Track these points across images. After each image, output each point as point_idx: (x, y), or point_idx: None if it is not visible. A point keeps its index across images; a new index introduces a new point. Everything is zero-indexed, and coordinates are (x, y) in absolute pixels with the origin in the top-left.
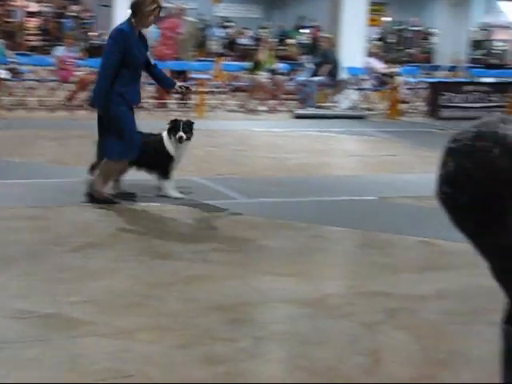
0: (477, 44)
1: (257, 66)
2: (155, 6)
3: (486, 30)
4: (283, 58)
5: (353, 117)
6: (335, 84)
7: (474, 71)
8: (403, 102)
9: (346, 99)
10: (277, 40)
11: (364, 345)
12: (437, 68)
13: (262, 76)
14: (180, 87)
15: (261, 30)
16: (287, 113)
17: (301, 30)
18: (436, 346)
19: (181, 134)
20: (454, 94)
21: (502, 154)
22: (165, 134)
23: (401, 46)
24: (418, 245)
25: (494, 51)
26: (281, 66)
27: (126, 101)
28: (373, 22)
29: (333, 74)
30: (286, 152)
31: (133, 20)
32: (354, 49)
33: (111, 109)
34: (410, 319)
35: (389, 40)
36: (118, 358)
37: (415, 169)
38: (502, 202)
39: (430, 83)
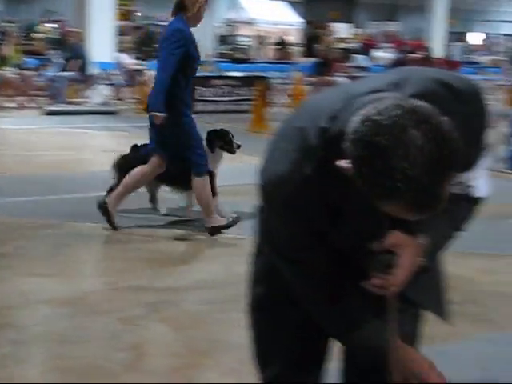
0: (223, 39)
1: (3, 62)
2: None
3: (230, 25)
4: (30, 52)
5: (105, 112)
6: (85, 79)
7: (221, 66)
8: None
9: (98, 95)
10: (23, 34)
11: (125, 340)
12: None
13: (9, 72)
14: None
15: (5, 24)
16: (37, 109)
17: (48, 25)
18: (197, 336)
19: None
20: (204, 88)
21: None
22: None
23: (149, 41)
24: (171, 239)
25: (239, 46)
26: (28, 61)
27: (188, 107)
28: (121, 17)
29: (82, 69)
30: (39, 149)
31: (185, 17)
32: (103, 43)
33: (178, 117)
34: (171, 311)
35: (137, 35)
36: None
37: None
38: None
39: None
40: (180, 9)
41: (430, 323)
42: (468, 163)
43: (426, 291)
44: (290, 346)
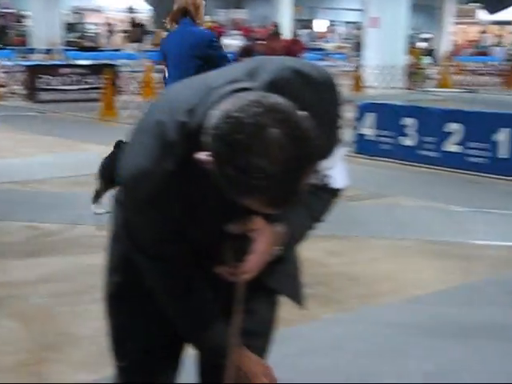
0: (70, 27)
1: None
2: None
3: (77, 13)
4: None
5: None
6: None
7: (69, 54)
8: (1, 85)
9: None
10: None
11: None
12: (33, 51)
13: None
14: None
15: None
16: None
17: None
18: (46, 330)
19: None
20: (51, 77)
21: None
22: None
23: None
24: (22, 230)
25: (87, 34)
26: None
27: None
28: None
29: None
30: None
31: (195, 20)
32: None
33: None
34: (19, 306)
35: None
36: None
37: (16, 153)
38: None
39: (27, 66)
40: (185, 15)
41: (281, 306)
42: (324, 152)
43: (284, 277)
44: (148, 335)
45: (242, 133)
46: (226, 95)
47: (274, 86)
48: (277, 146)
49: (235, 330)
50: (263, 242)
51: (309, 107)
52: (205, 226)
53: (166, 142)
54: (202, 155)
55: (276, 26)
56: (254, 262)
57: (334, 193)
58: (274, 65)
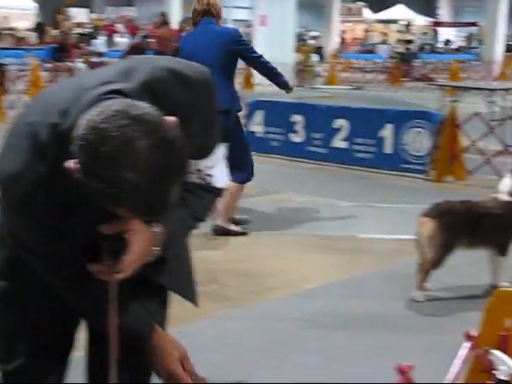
0: None
1: None
2: None
3: None
4: None
5: None
6: None
7: None
8: None
9: None
10: None
11: None
12: None
13: None
14: None
15: None
16: None
17: None
18: None
19: None
20: None
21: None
22: None
23: None
24: None
25: None
26: None
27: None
28: None
29: None
30: None
31: (217, 20)
32: None
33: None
34: None
35: None
36: None
37: None
38: None
39: None
40: (207, 15)
41: (174, 304)
42: (204, 151)
43: (177, 276)
44: (34, 337)
45: (106, 145)
46: (97, 97)
47: (148, 87)
48: (143, 158)
49: (112, 326)
50: (138, 242)
51: (184, 107)
52: (82, 227)
53: (38, 144)
54: (71, 163)
55: (163, 15)
56: (127, 262)
57: (216, 192)
58: (148, 65)
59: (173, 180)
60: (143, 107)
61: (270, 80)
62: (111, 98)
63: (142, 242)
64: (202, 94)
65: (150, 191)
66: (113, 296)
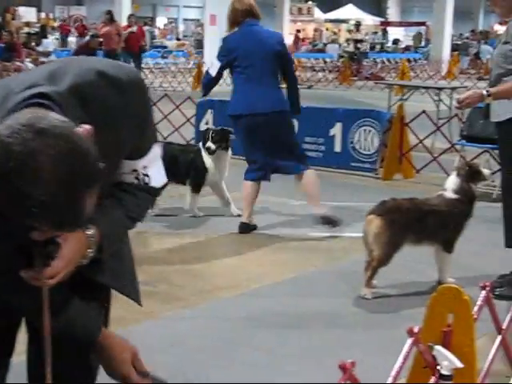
0: None
1: None
2: None
3: None
4: None
5: None
6: None
7: None
8: None
9: None
10: None
11: None
12: None
13: None
14: None
15: None
16: None
17: None
18: None
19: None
20: None
21: None
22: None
23: None
24: None
25: None
26: None
27: None
28: None
29: None
30: None
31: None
32: None
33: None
34: None
35: None
36: None
37: None
38: None
39: None
40: (249, 16)
41: (123, 305)
42: (139, 152)
43: (121, 276)
44: None
45: (10, 161)
46: (22, 102)
47: (76, 90)
48: (48, 172)
49: (46, 330)
50: (68, 247)
51: (115, 110)
52: (14, 232)
53: None
54: None
55: (109, 13)
56: (58, 267)
57: (153, 192)
58: (77, 67)
59: (82, 191)
60: (52, 119)
61: (289, 94)
62: (34, 103)
63: (73, 246)
64: (133, 95)
65: (57, 205)
66: (45, 303)
